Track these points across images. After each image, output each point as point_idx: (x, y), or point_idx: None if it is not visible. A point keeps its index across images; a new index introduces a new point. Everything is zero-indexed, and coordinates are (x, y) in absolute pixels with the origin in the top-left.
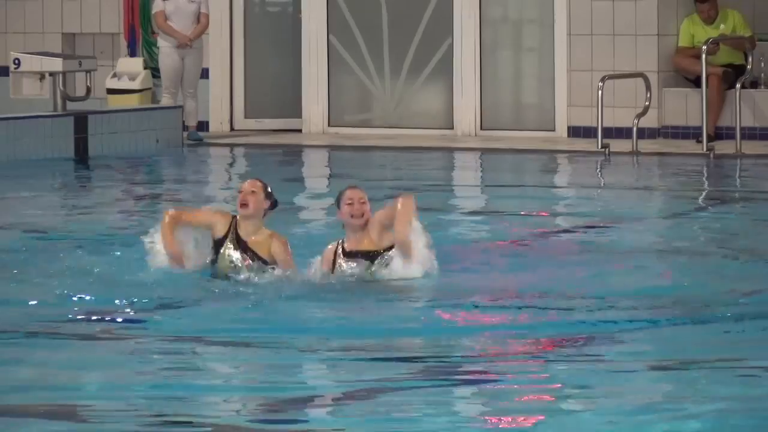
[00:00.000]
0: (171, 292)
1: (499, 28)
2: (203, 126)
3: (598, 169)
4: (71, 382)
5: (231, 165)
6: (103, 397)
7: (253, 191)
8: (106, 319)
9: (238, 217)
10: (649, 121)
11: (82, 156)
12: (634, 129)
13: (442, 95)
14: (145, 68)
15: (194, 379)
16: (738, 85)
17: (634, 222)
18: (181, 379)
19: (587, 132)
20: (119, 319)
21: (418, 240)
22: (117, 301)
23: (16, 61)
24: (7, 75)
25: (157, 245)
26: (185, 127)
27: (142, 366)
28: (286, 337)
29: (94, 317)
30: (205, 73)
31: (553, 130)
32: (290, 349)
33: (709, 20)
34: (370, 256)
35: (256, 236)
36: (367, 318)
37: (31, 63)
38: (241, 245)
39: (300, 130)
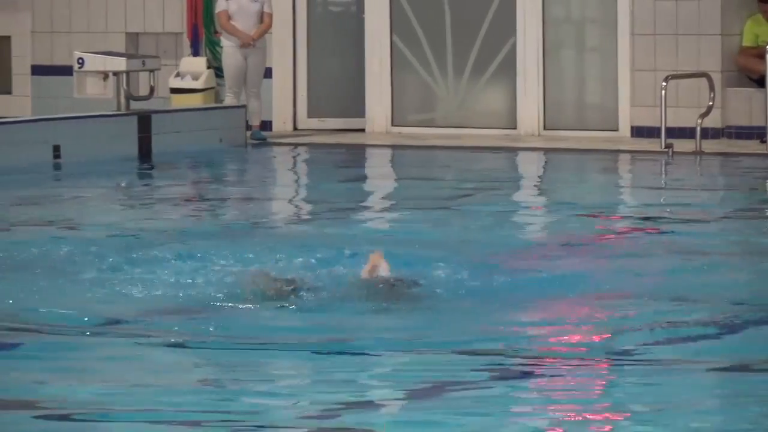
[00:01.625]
0: (228, 293)
1: (562, 28)
2: (266, 125)
3: (662, 169)
4: (124, 382)
5: (294, 164)
6: (152, 400)
7: None
8: (164, 319)
9: None
10: (713, 121)
11: (145, 155)
12: (698, 129)
13: (505, 95)
14: (208, 68)
15: (254, 382)
16: None
17: (697, 222)
18: (240, 382)
19: (650, 132)
20: (177, 319)
21: None
22: (175, 301)
23: (80, 61)
24: (71, 74)
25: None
26: (248, 127)
27: (199, 368)
28: (343, 339)
29: (152, 316)
30: (268, 73)
31: (617, 130)
32: (348, 350)
33: None
34: None
35: None
36: (431, 318)
37: (94, 62)
38: None
39: (363, 130)
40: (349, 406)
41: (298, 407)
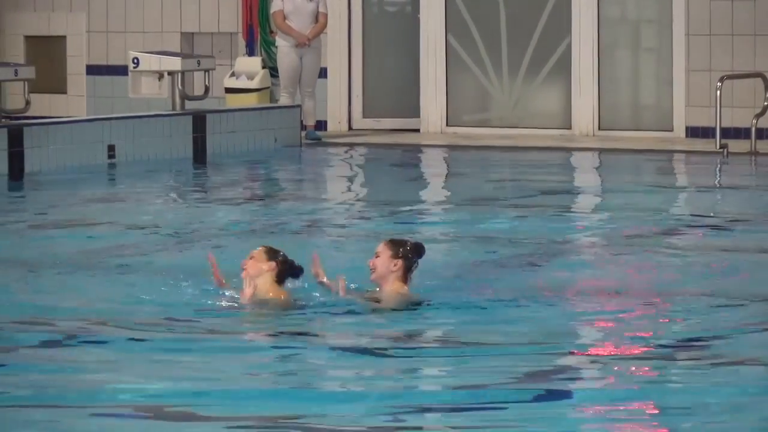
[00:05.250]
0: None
1: (618, 28)
2: (321, 125)
3: (717, 170)
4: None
5: (349, 164)
6: (205, 402)
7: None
8: (211, 318)
9: None
10: None
11: (200, 155)
12: (753, 129)
13: (560, 95)
14: (263, 67)
15: (314, 384)
16: None
17: (753, 223)
18: (300, 384)
19: (705, 132)
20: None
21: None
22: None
23: (135, 61)
24: (126, 74)
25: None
26: (303, 127)
27: (245, 368)
28: (401, 343)
29: (198, 316)
30: (323, 73)
31: (671, 131)
32: (410, 353)
33: None
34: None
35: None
36: (476, 317)
37: (149, 62)
38: None
39: (418, 130)
40: (396, 409)
41: (348, 409)
